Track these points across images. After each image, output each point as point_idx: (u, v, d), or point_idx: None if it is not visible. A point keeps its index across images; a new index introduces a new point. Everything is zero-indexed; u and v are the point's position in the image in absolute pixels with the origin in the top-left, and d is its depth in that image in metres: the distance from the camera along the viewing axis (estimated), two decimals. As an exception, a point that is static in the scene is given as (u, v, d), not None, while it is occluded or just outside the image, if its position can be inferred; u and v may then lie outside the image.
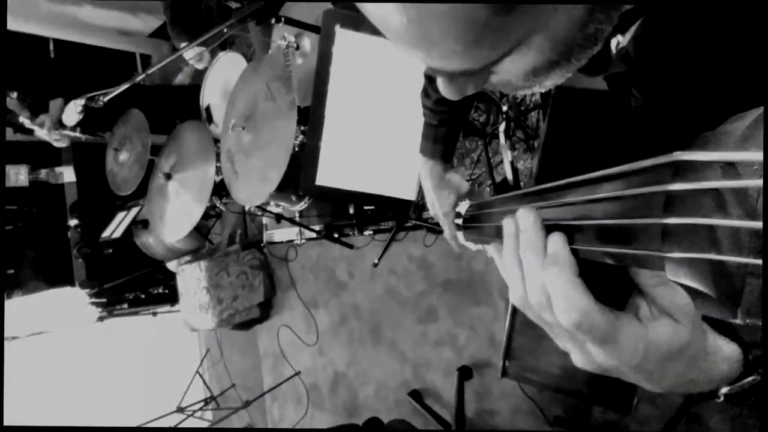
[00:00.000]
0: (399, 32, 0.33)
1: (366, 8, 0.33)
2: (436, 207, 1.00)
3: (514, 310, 1.36)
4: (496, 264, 0.44)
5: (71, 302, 2.92)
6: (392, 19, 0.32)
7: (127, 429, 2.81)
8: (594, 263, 0.34)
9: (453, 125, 0.99)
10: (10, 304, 2.71)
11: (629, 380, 0.38)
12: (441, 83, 0.41)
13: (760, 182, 0.22)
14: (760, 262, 0.22)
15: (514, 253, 0.39)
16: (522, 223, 0.38)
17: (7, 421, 0.74)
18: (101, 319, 3.13)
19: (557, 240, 0.35)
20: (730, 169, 0.24)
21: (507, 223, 0.40)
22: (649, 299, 0.36)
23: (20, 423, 2.76)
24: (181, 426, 3.07)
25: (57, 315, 2.86)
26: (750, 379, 0.38)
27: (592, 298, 0.34)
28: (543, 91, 0.44)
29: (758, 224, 0.22)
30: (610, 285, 0.36)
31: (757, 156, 0.23)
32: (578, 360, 0.39)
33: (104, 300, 2.93)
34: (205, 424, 3.17)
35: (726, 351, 0.38)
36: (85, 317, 2.93)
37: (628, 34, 0.52)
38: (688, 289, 0.25)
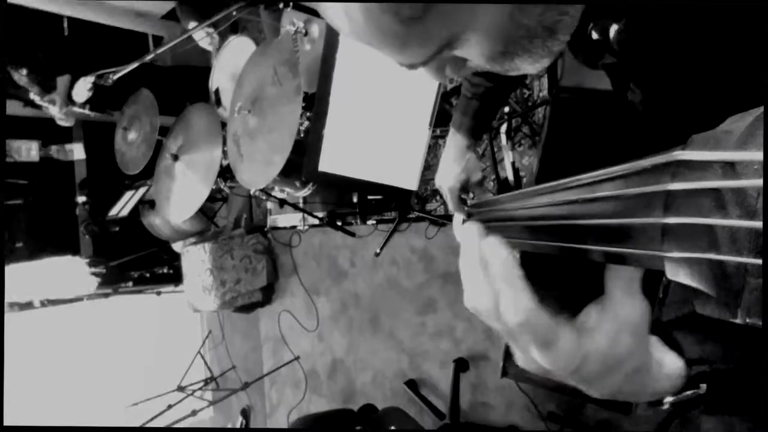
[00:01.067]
0: (351, 36, 0.39)
1: (326, 18, 0.40)
2: (445, 179, 1.00)
3: None
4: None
5: (72, 271, 2.93)
6: (343, 27, 0.38)
7: (128, 429, 2.85)
8: (569, 263, 0.35)
9: (487, 102, 0.96)
10: (13, 269, 2.72)
11: (570, 384, 0.38)
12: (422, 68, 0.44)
13: (759, 182, 0.22)
14: (759, 262, 0.22)
15: (464, 267, 0.40)
16: (463, 234, 0.40)
17: (7, 419, 0.76)
18: (106, 296, 3.17)
19: (493, 243, 0.37)
20: (729, 168, 0.24)
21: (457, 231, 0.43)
22: (604, 304, 0.36)
23: (22, 398, 2.83)
24: (179, 406, 3.12)
25: (59, 282, 2.88)
26: (691, 392, 0.39)
27: (536, 300, 0.34)
28: (532, 72, 0.45)
29: (758, 224, 0.22)
30: (580, 288, 0.38)
31: (757, 156, 0.22)
32: (520, 359, 0.39)
33: (104, 269, 2.95)
34: (204, 404, 3.21)
35: (669, 367, 0.39)
36: (85, 286, 2.94)
37: (620, 23, 0.52)
38: (688, 289, 0.25)
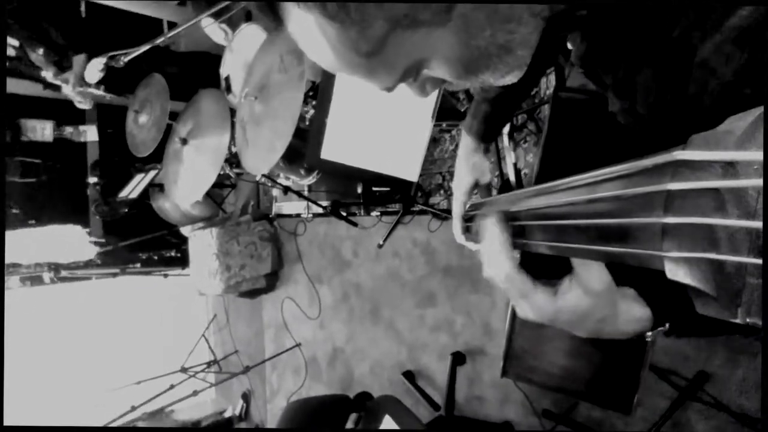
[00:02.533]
0: (331, 70, 0.45)
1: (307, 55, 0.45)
2: (456, 180, 1.01)
3: (514, 312, 1.37)
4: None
5: (75, 240, 2.97)
6: (321, 64, 0.44)
7: (128, 429, 2.90)
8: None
9: (498, 107, 0.97)
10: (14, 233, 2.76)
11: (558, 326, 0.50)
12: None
13: (759, 182, 0.22)
14: (759, 261, 0.22)
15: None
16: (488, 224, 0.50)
17: (7, 416, 0.78)
18: (114, 275, 3.23)
19: (493, 224, 0.49)
20: (729, 168, 0.24)
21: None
22: (573, 275, 0.47)
23: (29, 377, 2.89)
24: (181, 389, 3.17)
25: (60, 248, 2.92)
26: (660, 329, 0.51)
27: (516, 267, 0.47)
28: (505, 83, 0.50)
29: (758, 224, 0.22)
30: (556, 267, 0.47)
31: (757, 156, 0.23)
32: (518, 311, 0.52)
33: (109, 248, 3.00)
34: (206, 386, 3.26)
35: (637, 313, 0.50)
36: (84, 253, 2.97)
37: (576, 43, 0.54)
38: (689, 288, 0.25)
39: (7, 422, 0.79)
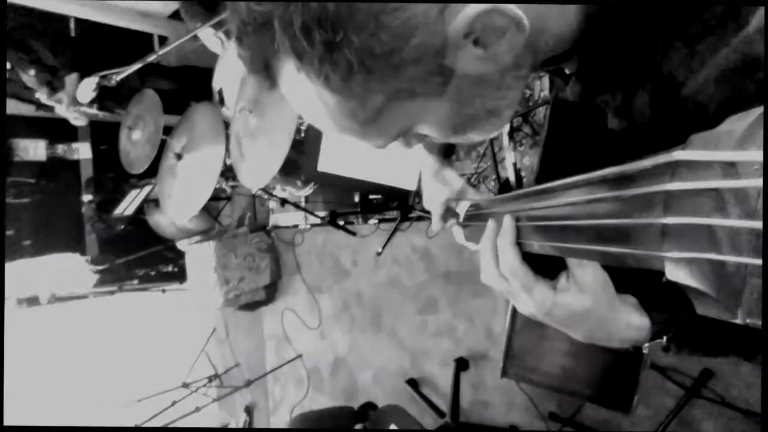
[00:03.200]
0: (327, 132, 0.48)
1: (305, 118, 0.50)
2: (428, 200, 1.01)
3: (515, 311, 1.37)
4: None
5: (74, 268, 2.96)
6: (320, 126, 0.47)
7: (128, 429, 2.87)
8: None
9: None
10: (13, 265, 2.76)
11: (556, 326, 0.51)
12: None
13: (759, 182, 0.22)
14: (760, 262, 0.22)
15: (492, 240, 0.53)
16: (505, 223, 0.51)
17: (7, 418, 0.77)
18: (112, 293, 3.21)
19: (507, 220, 0.50)
20: (729, 169, 0.24)
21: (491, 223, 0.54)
22: (569, 274, 0.49)
23: (27, 395, 2.86)
24: (184, 402, 3.14)
25: (59, 278, 2.91)
26: (658, 341, 0.52)
27: (521, 259, 0.49)
28: (493, 135, 0.55)
29: (758, 224, 0.22)
30: (553, 264, 0.48)
31: (757, 156, 0.23)
32: (519, 308, 0.53)
33: (106, 266, 2.98)
34: (208, 401, 3.24)
35: (635, 321, 0.51)
36: (85, 282, 2.97)
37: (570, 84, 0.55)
38: (689, 289, 0.25)
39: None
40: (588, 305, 0.48)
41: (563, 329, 0.52)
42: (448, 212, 1.00)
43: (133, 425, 2.80)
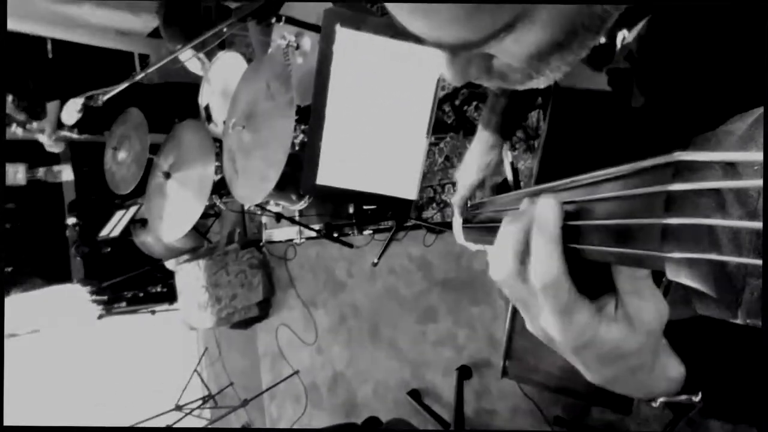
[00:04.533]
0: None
1: None
2: (464, 173, 0.99)
3: (515, 310, 1.36)
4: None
5: (70, 299, 2.91)
6: None
7: (128, 429, 2.80)
8: (582, 260, 0.34)
9: (516, 100, 0.95)
10: (9, 301, 2.70)
11: (567, 358, 0.39)
12: (444, 63, 0.41)
13: (760, 182, 0.22)
14: (760, 262, 0.22)
15: (520, 236, 0.38)
16: (545, 208, 0.36)
17: (7, 421, 0.74)
18: (100, 317, 3.12)
19: (551, 202, 0.36)
20: (730, 169, 0.24)
21: (527, 202, 0.40)
22: (619, 302, 0.37)
23: (19, 422, 2.76)
24: (178, 425, 3.07)
25: (56, 311, 2.85)
26: (685, 397, 0.41)
27: (567, 271, 0.35)
28: (541, 87, 0.44)
29: (758, 224, 0.22)
30: (591, 280, 0.37)
31: (758, 156, 0.23)
32: (529, 320, 0.40)
33: (105, 297, 2.92)
34: (203, 423, 3.16)
35: (672, 372, 0.41)
36: (85, 315, 2.92)
37: (634, 31, 0.52)
38: (689, 289, 0.25)
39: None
40: (635, 347, 0.36)
41: (579, 364, 0.39)
42: (471, 195, 0.99)
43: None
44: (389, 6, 0.36)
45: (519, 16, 0.34)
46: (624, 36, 0.56)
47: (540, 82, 0.43)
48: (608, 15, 0.37)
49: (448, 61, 0.41)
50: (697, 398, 0.41)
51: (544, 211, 0.35)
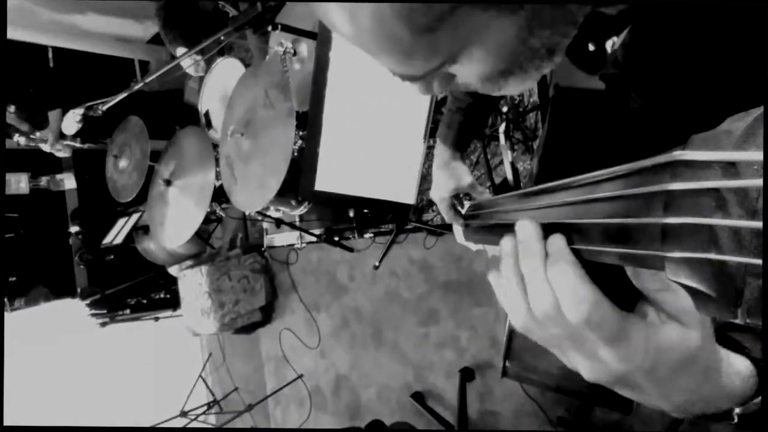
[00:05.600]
0: (350, 39, 0.36)
1: (323, 18, 0.36)
2: (435, 190, 1.01)
3: None
4: (494, 289, 0.42)
5: (72, 313, 2.93)
6: (340, 30, 0.35)
7: (127, 429, 2.81)
8: (600, 270, 0.34)
9: (471, 116, 0.99)
10: (12, 317, 2.72)
11: (642, 393, 0.36)
12: (407, 82, 0.43)
13: (760, 182, 0.22)
14: (760, 262, 0.22)
15: (514, 268, 0.37)
16: (522, 234, 0.37)
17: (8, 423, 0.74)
18: (104, 325, 3.13)
19: (558, 240, 0.35)
20: (730, 168, 0.24)
21: (504, 242, 0.39)
22: (655, 305, 0.34)
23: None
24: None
25: (59, 326, 2.87)
26: (759, 399, 0.37)
27: (601, 293, 0.32)
28: (513, 93, 0.45)
29: (758, 224, 0.22)
30: (615, 291, 0.34)
31: (757, 156, 0.23)
32: (589, 369, 0.36)
33: (104, 311, 2.93)
34: (208, 428, 3.17)
35: (738, 366, 0.37)
36: (85, 328, 2.93)
37: (621, 38, 0.53)
38: (689, 289, 0.25)
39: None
40: (698, 341, 0.33)
41: (653, 393, 0.35)
42: (455, 207, 1.00)
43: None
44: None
45: (453, 55, 0.36)
46: (614, 42, 0.56)
47: (510, 92, 0.45)
48: (555, 43, 0.39)
49: (410, 82, 0.42)
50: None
51: (554, 243, 0.34)
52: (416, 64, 0.36)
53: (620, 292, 0.35)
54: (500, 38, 0.36)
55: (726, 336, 0.39)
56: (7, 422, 0.74)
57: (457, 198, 1.01)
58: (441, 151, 1.01)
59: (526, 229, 0.37)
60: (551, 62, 0.41)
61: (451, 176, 0.99)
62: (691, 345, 0.33)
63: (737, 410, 0.37)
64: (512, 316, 0.38)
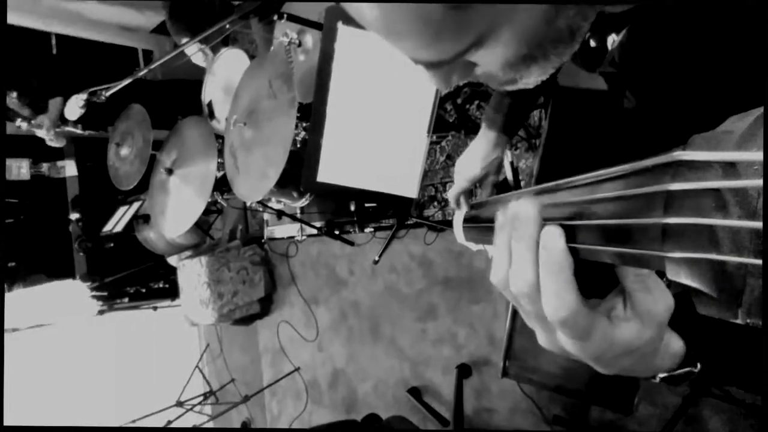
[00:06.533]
0: (372, 25, 0.35)
1: (346, 3, 0.36)
2: (465, 168, 1.00)
3: (515, 311, 1.36)
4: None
5: (72, 294, 2.93)
6: (366, 13, 0.35)
7: (127, 429, 2.81)
8: (583, 260, 0.34)
9: (520, 99, 0.96)
10: (11, 296, 2.72)
11: (577, 358, 0.40)
12: (426, 73, 0.43)
13: (760, 182, 0.22)
14: (760, 262, 0.22)
15: (506, 241, 0.38)
16: (521, 213, 0.37)
17: (7, 420, 0.74)
18: (101, 312, 3.14)
19: (556, 237, 0.35)
20: (730, 169, 0.24)
21: (500, 215, 0.41)
22: (627, 300, 0.37)
23: (19, 417, 2.78)
24: (179, 421, 3.08)
25: (57, 307, 2.87)
26: (685, 370, 0.43)
27: (582, 300, 0.35)
28: (530, 87, 0.45)
29: (758, 224, 0.22)
30: (597, 277, 0.38)
31: (757, 156, 0.22)
32: (543, 341, 0.41)
33: (105, 293, 2.93)
34: (204, 419, 3.18)
35: (674, 347, 0.42)
36: (85, 309, 2.93)
37: (619, 37, 0.53)
38: (689, 289, 0.25)
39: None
40: (648, 340, 0.37)
41: (591, 362, 0.40)
42: (468, 194, 0.99)
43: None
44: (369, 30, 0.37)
45: (482, 37, 0.36)
46: (613, 39, 0.56)
47: (528, 84, 0.44)
48: (576, 27, 0.39)
49: (430, 72, 0.42)
50: (696, 369, 0.43)
51: (550, 238, 0.35)
52: (444, 46, 0.36)
53: (599, 275, 0.38)
54: (528, 18, 0.36)
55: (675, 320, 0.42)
56: (6, 422, 0.74)
57: (477, 186, 1.00)
58: (489, 136, 0.98)
59: (527, 210, 0.37)
60: (571, 47, 0.41)
61: (488, 165, 0.97)
62: (639, 342, 0.37)
63: (662, 375, 0.43)
64: (492, 273, 0.41)
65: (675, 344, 0.42)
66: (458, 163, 1.02)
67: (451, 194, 0.98)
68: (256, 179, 1.60)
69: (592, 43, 0.61)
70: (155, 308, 3.45)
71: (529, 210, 0.37)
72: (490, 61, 0.40)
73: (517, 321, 1.31)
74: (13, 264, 2.88)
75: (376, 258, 2.55)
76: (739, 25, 0.42)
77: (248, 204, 2.05)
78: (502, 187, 1.90)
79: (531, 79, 0.43)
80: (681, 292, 0.40)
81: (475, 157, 0.99)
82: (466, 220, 0.78)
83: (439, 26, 0.33)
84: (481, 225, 0.64)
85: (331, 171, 1.40)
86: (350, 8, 0.36)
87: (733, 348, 0.44)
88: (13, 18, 2.62)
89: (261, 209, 2.15)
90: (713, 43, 0.45)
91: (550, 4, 0.36)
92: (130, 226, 2.92)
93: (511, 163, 1.71)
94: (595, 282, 0.38)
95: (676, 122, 0.43)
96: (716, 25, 0.44)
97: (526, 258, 0.36)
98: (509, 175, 1.76)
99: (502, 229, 0.40)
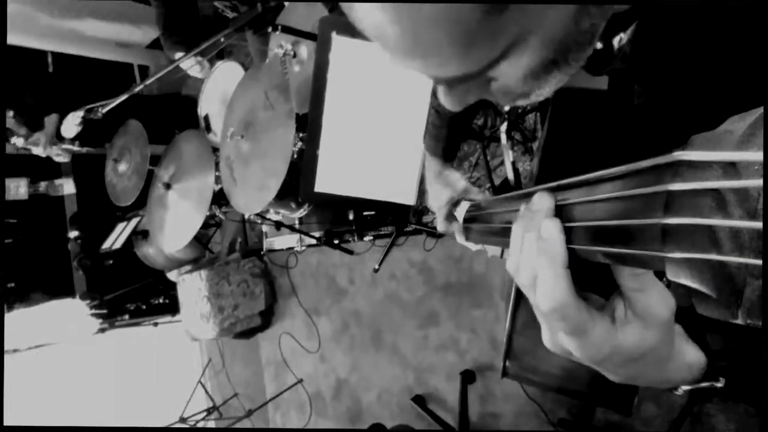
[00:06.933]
0: (395, 43, 0.33)
1: (361, 23, 0.34)
2: (433, 200, 1.03)
3: (515, 310, 1.36)
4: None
5: (72, 314, 2.92)
6: (386, 30, 0.32)
7: (127, 429, 2.79)
8: (581, 261, 0.34)
9: (454, 126, 1.02)
10: (11, 317, 2.71)
11: (581, 362, 0.40)
12: (441, 93, 0.42)
13: (760, 182, 0.22)
14: (760, 262, 0.22)
15: (521, 231, 0.40)
16: (535, 204, 0.38)
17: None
18: (102, 330, 3.12)
19: (553, 229, 0.36)
20: (730, 169, 0.24)
21: (529, 203, 0.40)
22: (626, 301, 0.37)
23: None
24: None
25: (58, 326, 2.86)
26: (708, 384, 0.41)
27: (573, 292, 0.35)
28: (541, 99, 0.45)
29: (759, 224, 0.22)
30: (600, 276, 0.37)
31: (758, 156, 0.22)
32: (546, 339, 0.41)
33: (105, 311, 2.92)
34: (208, 434, 3.16)
35: (690, 357, 0.41)
36: (85, 328, 2.92)
37: (628, 34, 0.53)
38: (689, 290, 0.25)
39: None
40: (653, 343, 0.36)
41: (599, 369, 0.39)
42: (452, 213, 1.01)
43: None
44: (387, 51, 0.35)
45: (514, 42, 0.35)
46: (621, 38, 0.56)
47: (541, 95, 0.44)
48: (596, 27, 0.38)
49: (446, 91, 0.41)
50: (719, 384, 0.41)
51: (549, 231, 0.35)
52: (475, 56, 0.34)
53: (602, 276, 0.37)
54: (557, 20, 0.35)
55: (693, 326, 0.42)
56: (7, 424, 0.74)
57: (453, 205, 1.02)
58: (432, 164, 1.04)
59: (542, 201, 0.38)
60: (588, 51, 0.40)
61: (445, 185, 1.01)
62: (644, 346, 0.36)
63: (685, 387, 0.42)
64: (508, 260, 0.41)
65: (692, 354, 0.41)
66: (429, 198, 1.06)
67: (439, 226, 1.02)
68: (254, 190, 1.60)
69: (598, 45, 0.62)
70: (156, 324, 3.43)
71: (544, 202, 0.37)
72: (510, 73, 0.39)
73: (518, 321, 1.31)
74: (13, 285, 2.87)
75: (376, 266, 2.54)
76: (742, 24, 0.42)
77: (247, 216, 2.05)
78: (503, 188, 1.91)
79: (546, 89, 0.42)
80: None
81: (434, 187, 1.03)
82: (467, 220, 0.79)
83: (475, 32, 0.32)
84: (481, 225, 0.65)
85: (328, 181, 1.40)
86: (366, 29, 0.34)
87: (759, 364, 0.43)
88: (10, 39, 2.64)
89: (259, 221, 2.15)
90: (721, 39, 0.45)
91: (579, 4, 0.35)
92: (129, 243, 2.92)
93: (513, 163, 1.71)
94: (600, 283, 0.38)
95: (681, 120, 0.43)
96: (719, 25, 0.44)
97: (533, 248, 0.37)
98: (510, 176, 1.76)
99: (521, 218, 0.40)
